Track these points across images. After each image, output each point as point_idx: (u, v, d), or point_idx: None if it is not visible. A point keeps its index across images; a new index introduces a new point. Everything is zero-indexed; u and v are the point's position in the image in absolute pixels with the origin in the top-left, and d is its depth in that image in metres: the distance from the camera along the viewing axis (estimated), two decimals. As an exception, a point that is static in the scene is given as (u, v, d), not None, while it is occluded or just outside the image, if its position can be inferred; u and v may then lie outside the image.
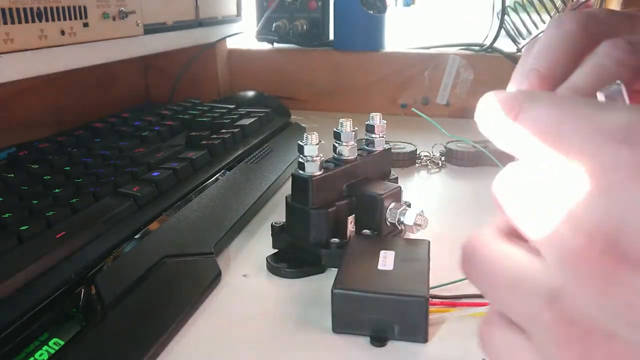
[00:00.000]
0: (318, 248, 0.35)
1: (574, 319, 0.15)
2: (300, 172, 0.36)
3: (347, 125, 0.38)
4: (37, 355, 0.25)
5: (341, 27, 0.80)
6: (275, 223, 0.38)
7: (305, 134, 0.36)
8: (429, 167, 0.56)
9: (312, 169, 0.35)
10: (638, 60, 0.21)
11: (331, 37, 0.82)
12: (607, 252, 0.14)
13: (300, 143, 0.35)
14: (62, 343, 0.26)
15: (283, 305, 0.32)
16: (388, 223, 0.36)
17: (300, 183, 0.36)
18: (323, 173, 0.36)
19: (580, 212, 0.15)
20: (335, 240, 0.35)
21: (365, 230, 0.36)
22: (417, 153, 0.58)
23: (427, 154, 0.58)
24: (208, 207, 0.42)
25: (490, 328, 0.19)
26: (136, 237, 0.36)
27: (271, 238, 0.38)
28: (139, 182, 0.42)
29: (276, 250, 0.37)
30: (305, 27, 0.82)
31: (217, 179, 0.47)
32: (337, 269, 0.31)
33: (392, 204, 0.36)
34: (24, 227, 0.33)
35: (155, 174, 0.43)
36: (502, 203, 0.18)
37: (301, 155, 0.36)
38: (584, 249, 0.15)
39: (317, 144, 0.35)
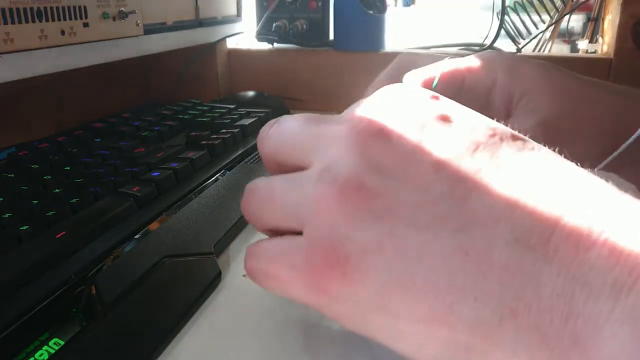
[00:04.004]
0: None
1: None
2: None
3: None
4: (37, 355, 0.25)
5: (341, 27, 0.80)
6: None
7: None
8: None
9: None
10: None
11: (331, 37, 0.82)
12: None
13: None
14: (62, 343, 0.26)
15: (283, 305, 0.32)
16: None
17: None
18: None
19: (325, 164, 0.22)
20: None
21: None
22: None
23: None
24: (208, 207, 0.42)
25: (253, 258, 0.25)
26: (136, 237, 0.36)
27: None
28: (139, 182, 0.42)
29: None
30: (305, 27, 0.82)
31: (217, 179, 0.47)
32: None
33: None
34: (24, 227, 0.33)
35: (155, 174, 0.43)
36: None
37: None
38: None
39: None
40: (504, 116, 0.40)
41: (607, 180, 0.20)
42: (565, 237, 0.18)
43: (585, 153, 0.41)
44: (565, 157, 0.22)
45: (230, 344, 0.28)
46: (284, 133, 0.26)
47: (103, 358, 0.26)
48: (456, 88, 0.40)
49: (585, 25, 0.97)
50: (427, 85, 0.41)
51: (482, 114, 0.23)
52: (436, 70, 0.40)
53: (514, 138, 0.22)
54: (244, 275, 0.35)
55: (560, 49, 0.92)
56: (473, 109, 0.24)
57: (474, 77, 0.40)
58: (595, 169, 0.32)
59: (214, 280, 0.33)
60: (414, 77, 0.42)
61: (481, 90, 0.40)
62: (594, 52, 0.81)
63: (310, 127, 0.24)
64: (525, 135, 0.23)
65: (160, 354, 0.27)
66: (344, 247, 0.20)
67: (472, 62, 0.41)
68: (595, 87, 0.39)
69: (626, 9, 0.68)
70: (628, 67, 0.69)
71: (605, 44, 0.76)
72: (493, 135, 0.21)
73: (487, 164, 0.20)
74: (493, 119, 0.23)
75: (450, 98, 0.24)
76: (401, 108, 0.23)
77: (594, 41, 0.84)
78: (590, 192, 0.19)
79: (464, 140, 0.21)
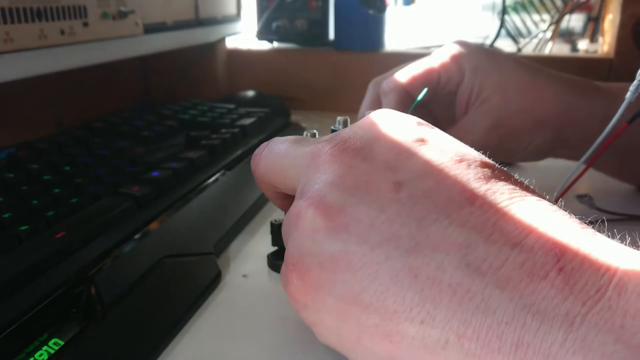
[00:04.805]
0: None
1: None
2: None
3: (343, 123, 0.38)
4: (37, 355, 0.25)
5: (341, 27, 0.80)
6: (274, 221, 0.38)
7: (305, 132, 0.36)
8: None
9: None
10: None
11: (331, 37, 0.82)
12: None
13: None
14: (62, 343, 0.26)
15: (284, 305, 0.32)
16: None
17: None
18: None
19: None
20: None
21: None
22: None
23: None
24: (208, 207, 0.42)
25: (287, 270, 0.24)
26: (136, 237, 0.36)
27: (270, 236, 0.38)
28: (139, 182, 0.42)
29: (276, 248, 0.37)
30: (305, 27, 0.82)
31: (217, 179, 0.47)
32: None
33: None
34: (23, 227, 0.33)
35: (155, 174, 0.43)
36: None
37: None
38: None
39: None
40: (462, 114, 0.43)
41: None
42: (519, 265, 0.18)
43: (538, 149, 0.44)
44: (521, 182, 0.22)
45: (230, 344, 0.28)
46: (273, 155, 0.27)
47: (103, 358, 0.26)
48: (433, 85, 0.43)
49: (585, 25, 0.97)
50: (409, 88, 0.44)
51: (453, 110, 0.24)
52: (411, 74, 0.44)
53: (483, 165, 0.22)
54: (244, 276, 0.35)
55: (560, 48, 0.92)
56: (448, 104, 0.24)
57: (446, 74, 0.43)
58: (577, 164, 0.33)
59: (214, 280, 0.33)
60: (393, 85, 0.45)
61: (453, 85, 0.43)
62: (595, 52, 0.81)
63: (297, 147, 0.26)
64: (478, 139, 0.23)
65: (160, 354, 0.27)
66: (307, 259, 0.21)
67: (444, 58, 0.44)
68: (554, 84, 0.42)
69: (626, 9, 0.68)
70: (628, 67, 0.68)
71: (605, 44, 0.76)
72: (460, 161, 0.21)
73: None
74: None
75: (431, 95, 0.25)
76: (383, 130, 0.23)
77: (595, 41, 0.85)
78: (547, 222, 0.19)
79: (429, 163, 0.21)
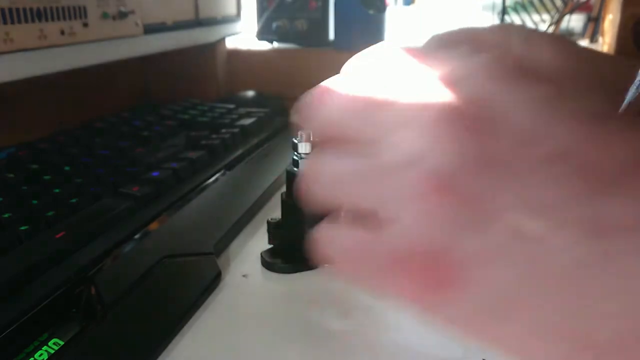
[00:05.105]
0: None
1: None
2: (294, 169, 0.36)
3: (306, 137, 0.38)
4: (36, 355, 0.25)
5: (341, 26, 0.80)
6: (271, 219, 0.38)
7: (300, 131, 0.36)
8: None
9: None
10: None
11: (331, 37, 0.82)
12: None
13: (295, 140, 0.36)
14: (62, 343, 0.26)
15: (283, 304, 0.32)
16: None
17: (294, 180, 0.36)
18: None
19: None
20: None
21: None
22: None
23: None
24: (208, 207, 0.42)
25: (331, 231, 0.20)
26: (136, 237, 0.36)
27: (267, 234, 0.38)
28: (139, 182, 0.42)
29: (271, 246, 0.38)
30: (305, 27, 0.82)
31: (217, 179, 0.47)
32: (330, 266, 0.30)
33: None
34: (23, 227, 0.33)
35: (155, 174, 0.43)
36: None
37: (295, 153, 0.36)
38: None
39: (311, 142, 0.36)
40: None
41: None
42: None
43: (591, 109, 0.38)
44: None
45: (230, 344, 0.28)
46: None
47: (103, 358, 0.26)
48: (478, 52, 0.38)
49: (585, 26, 0.97)
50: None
51: None
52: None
53: None
54: (244, 275, 0.35)
55: (560, 48, 0.92)
56: None
57: (492, 41, 0.38)
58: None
59: (214, 280, 0.33)
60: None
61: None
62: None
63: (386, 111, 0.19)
64: None
65: (160, 354, 0.27)
66: (453, 252, 0.17)
67: (491, 28, 0.40)
68: (602, 55, 0.36)
69: (626, 9, 0.68)
70: (628, 67, 0.69)
71: (605, 44, 0.76)
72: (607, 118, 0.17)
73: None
74: None
75: None
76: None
77: (595, 41, 0.85)
78: None
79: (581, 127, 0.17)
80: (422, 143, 0.17)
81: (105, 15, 0.52)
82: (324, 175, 0.20)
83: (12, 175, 0.42)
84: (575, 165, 0.16)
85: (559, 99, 0.17)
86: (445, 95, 0.18)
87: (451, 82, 0.18)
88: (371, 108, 0.19)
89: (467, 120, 0.17)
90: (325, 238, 0.21)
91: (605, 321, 0.15)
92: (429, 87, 0.18)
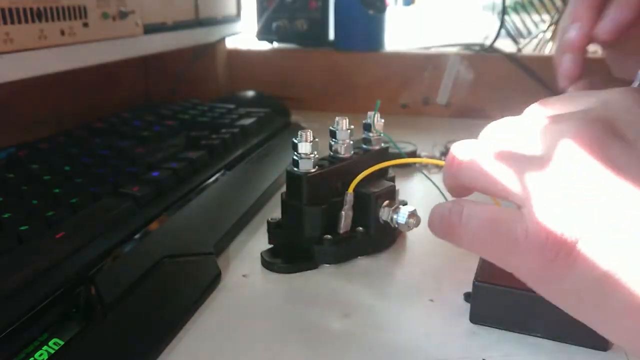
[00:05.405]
0: (311, 244, 0.36)
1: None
2: (294, 169, 0.36)
3: (342, 124, 0.38)
4: (36, 355, 0.25)
5: (341, 27, 0.80)
6: (271, 219, 0.38)
7: (300, 131, 0.36)
8: (429, 166, 0.56)
9: (306, 167, 0.36)
10: None
11: (331, 37, 0.82)
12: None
13: (295, 140, 0.36)
14: (62, 343, 0.26)
15: (283, 304, 0.32)
16: (381, 221, 0.36)
17: (294, 180, 0.36)
18: (317, 170, 0.36)
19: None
20: (328, 236, 0.36)
21: (358, 228, 0.36)
22: (417, 153, 0.58)
23: (427, 154, 0.58)
24: (208, 207, 0.42)
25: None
26: (136, 237, 0.36)
27: (267, 234, 0.38)
28: (139, 182, 0.42)
29: (271, 246, 0.38)
30: (305, 27, 0.82)
31: (217, 179, 0.47)
32: (330, 265, 0.30)
33: (386, 202, 0.36)
34: (23, 227, 0.33)
35: (155, 174, 0.43)
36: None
37: (295, 153, 0.36)
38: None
39: (311, 142, 0.36)
40: None
41: None
42: None
43: None
44: None
45: (230, 344, 0.28)
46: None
47: (103, 358, 0.26)
48: None
49: (585, 25, 0.96)
50: None
51: None
52: None
53: None
54: (244, 275, 0.35)
55: (560, 48, 0.92)
56: None
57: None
58: None
59: (214, 280, 0.33)
60: None
61: None
62: (594, 52, 0.81)
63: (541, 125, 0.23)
64: None
65: (160, 354, 0.27)
66: (570, 232, 0.20)
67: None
68: None
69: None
70: (628, 67, 0.68)
71: (605, 44, 0.76)
72: None
73: None
74: None
75: None
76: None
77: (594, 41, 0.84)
78: None
79: None
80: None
81: (105, 15, 0.52)
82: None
83: (12, 175, 0.42)
84: None
85: None
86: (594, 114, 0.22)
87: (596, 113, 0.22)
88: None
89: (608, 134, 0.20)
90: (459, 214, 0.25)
91: None
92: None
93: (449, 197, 0.28)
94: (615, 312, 0.20)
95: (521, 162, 0.22)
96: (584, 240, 0.20)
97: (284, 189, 0.38)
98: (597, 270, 0.19)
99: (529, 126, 0.23)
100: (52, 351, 0.25)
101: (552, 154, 0.21)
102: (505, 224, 0.22)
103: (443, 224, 0.26)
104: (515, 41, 0.83)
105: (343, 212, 0.36)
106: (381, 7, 0.79)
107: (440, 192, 0.36)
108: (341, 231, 0.36)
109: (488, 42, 0.79)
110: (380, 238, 0.38)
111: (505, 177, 0.23)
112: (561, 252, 0.20)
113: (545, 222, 0.20)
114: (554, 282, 0.21)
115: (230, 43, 0.84)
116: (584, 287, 0.20)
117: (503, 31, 0.79)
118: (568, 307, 0.22)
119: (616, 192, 0.19)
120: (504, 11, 0.79)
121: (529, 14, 0.84)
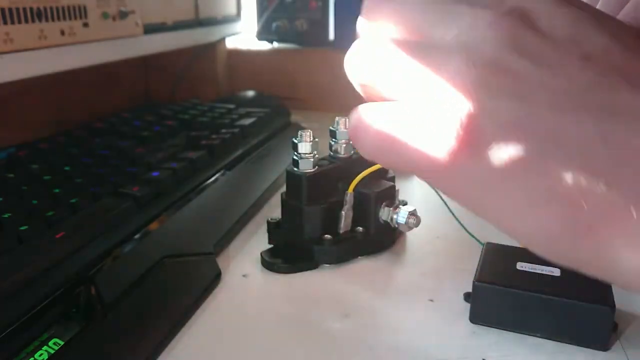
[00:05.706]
0: (311, 244, 0.36)
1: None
2: (294, 169, 0.36)
3: (342, 123, 0.38)
4: (36, 355, 0.25)
5: (341, 27, 0.80)
6: (271, 219, 0.38)
7: (300, 131, 0.36)
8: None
9: (306, 166, 0.36)
10: None
11: (331, 37, 0.82)
12: None
13: (294, 140, 0.36)
14: (62, 343, 0.26)
15: (283, 304, 0.32)
16: (381, 221, 0.36)
17: (294, 180, 0.36)
18: (316, 170, 0.36)
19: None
20: (328, 236, 0.36)
21: (358, 228, 0.36)
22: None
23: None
24: (208, 207, 0.42)
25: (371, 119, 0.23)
26: (136, 237, 0.36)
27: (267, 234, 0.38)
28: (139, 182, 0.42)
29: (271, 246, 0.38)
30: (305, 27, 0.82)
31: (217, 179, 0.47)
32: (330, 265, 0.30)
33: (386, 202, 0.36)
34: (23, 227, 0.33)
35: (155, 174, 0.43)
36: None
37: (295, 153, 0.36)
38: None
39: (311, 142, 0.36)
40: None
41: None
42: None
43: None
44: None
45: (230, 344, 0.28)
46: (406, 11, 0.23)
47: (103, 358, 0.26)
48: None
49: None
50: None
51: None
52: None
53: None
54: (244, 275, 0.35)
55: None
56: None
57: None
58: None
59: (214, 280, 0.33)
60: None
61: None
62: None
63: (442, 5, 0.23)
64: None
65: (160, 354, 0.27)
66: (482, 121, 0.20)
67: None
68: None
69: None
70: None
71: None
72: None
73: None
74: None
75: None
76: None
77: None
78: None
79: (615, 38, 0.20)
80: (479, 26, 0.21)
81: (105, 15, 0.52)
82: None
83: (12, 175, 0.42)
84: (599, 65, 0.19)
85: (599, 19, 0.21)
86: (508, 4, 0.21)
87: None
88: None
89: (518, 21, 0.20)
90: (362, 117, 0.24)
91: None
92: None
93: (447, 200, 0.28)
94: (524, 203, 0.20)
95: (429, 51, 0.22)
96: (497, 136, 0.19)
97: (283, 188, 0.38)
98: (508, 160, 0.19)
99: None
100: (52, 351, 0.25)
101: (464, 44, 0.21)
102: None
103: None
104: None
105: (343, 212, 0.36)
106: (381, 7, 0.79)
107: (438, 194, 0.36)
108: (341, 231, 0.36)
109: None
110: (380, 238, 0.38)
111: (412, 67, 0.22)
112: (472, 145, 0.20)
113: (463, 116, 0.20)
114: (461, 172, 0.21)
115: (230, 43, 0.84)
116: (490, 177, 0.20)
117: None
118: (473, 200, 0.21)
119: (532, 88, 0.20)
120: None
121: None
